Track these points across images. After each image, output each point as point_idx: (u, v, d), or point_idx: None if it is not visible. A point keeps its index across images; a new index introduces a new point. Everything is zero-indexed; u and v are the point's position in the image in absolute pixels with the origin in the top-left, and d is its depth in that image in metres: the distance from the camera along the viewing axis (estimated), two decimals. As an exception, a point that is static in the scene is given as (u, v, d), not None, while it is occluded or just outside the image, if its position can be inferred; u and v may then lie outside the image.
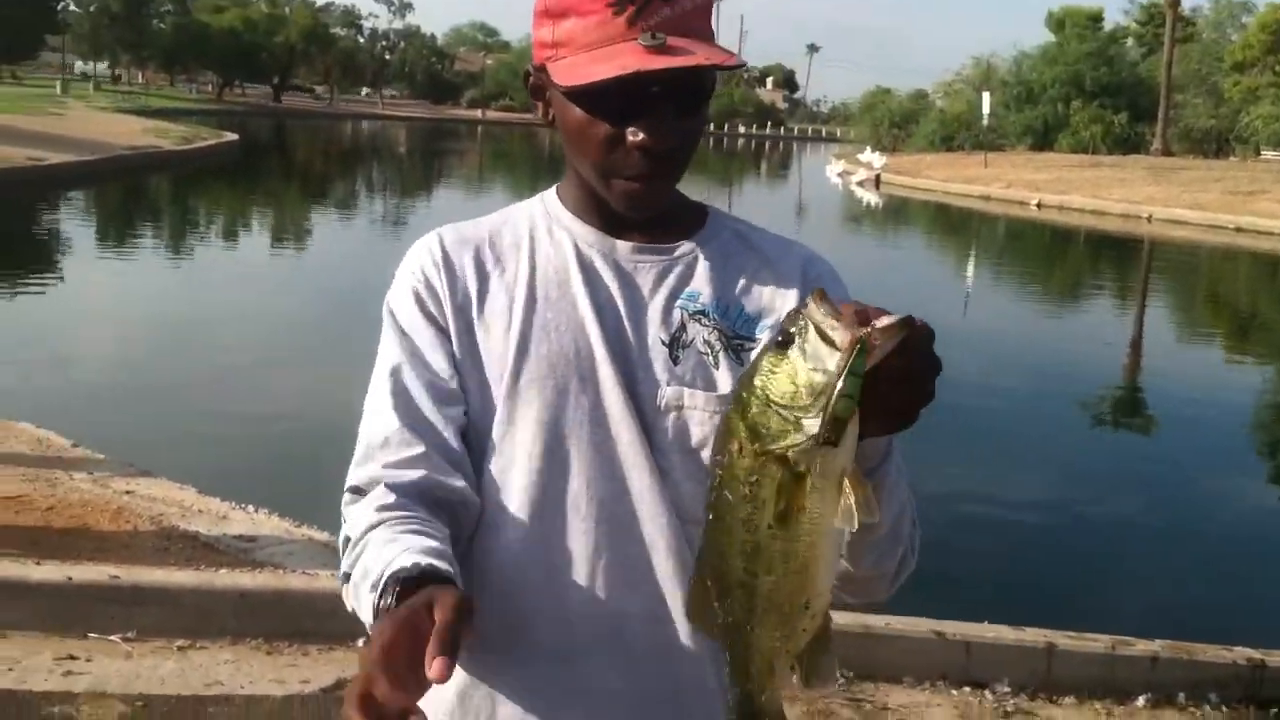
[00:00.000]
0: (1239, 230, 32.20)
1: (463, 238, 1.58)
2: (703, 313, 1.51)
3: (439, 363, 1.50)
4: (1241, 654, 4.97)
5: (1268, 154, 62.82)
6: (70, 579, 4.51)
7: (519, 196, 1.62)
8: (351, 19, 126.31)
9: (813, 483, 1.14)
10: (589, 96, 1.42)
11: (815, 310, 1.13)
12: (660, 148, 1.43)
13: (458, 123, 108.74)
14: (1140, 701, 4.71)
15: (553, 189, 1.63)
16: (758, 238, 1.61)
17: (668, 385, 1.47)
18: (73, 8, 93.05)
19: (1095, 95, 63.68)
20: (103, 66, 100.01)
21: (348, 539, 1.42)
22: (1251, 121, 55.31)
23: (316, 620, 4.51)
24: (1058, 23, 79.96)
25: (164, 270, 17.64)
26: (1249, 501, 8.93)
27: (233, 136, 45.41)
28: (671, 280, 1.53)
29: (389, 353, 1.53)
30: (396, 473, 1.44)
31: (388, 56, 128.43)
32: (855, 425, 1.12)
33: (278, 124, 79.92)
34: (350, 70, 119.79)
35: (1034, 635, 4.86)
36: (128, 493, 5.99)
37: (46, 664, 4.19)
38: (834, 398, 1.11)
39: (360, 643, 4.41)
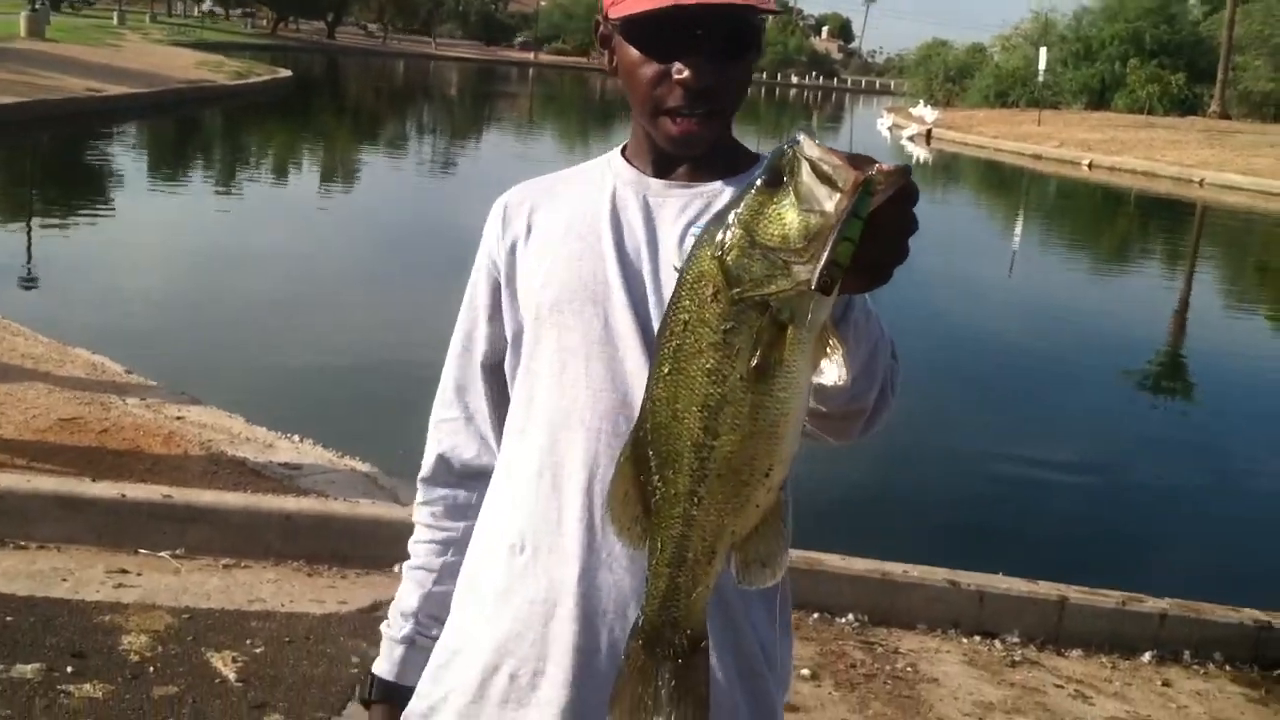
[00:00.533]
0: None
1: (525, 193, 1.76)
2: None
3: (493, 329, 1.76)
4: (1249, 615, 5.09)
5: (1329, 119, 61.74)
6: (124, 496, 4.74)
7: (567, 141, 1.72)
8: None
9: (796, 334, 1.07)
10: (641, 36, 1.55)
11: (810, 147, 1.04)
12: (699, 84, 1.52)
13: (510, 65, 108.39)
14: (1146, 657, 4.84)
15: (609, 154, 1.75)
16: None
17: None
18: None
19: (1154, 54, 62.54)
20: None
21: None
22: (1313, 86, 54.33)
23: (355, 544, 4.74)
24: (1121, -22, 78.72)
25: (215, 205, 17.87)
26: (1270, 469, 8.99)
27: (286, 73, 45.42)
28: (691, 212, 1.62)
29: (464, 310, 1.81)
30: (439, 447, 1.83)
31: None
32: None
33: (331, 61, 79.94)
34: (404, 8, 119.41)
35: (1047, 588, 5.00)
36: (178, 418, 6.20)
37: (99, 576, 4.43)
38: (835, 240, 1.03)
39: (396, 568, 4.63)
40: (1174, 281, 19.26)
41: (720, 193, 1.62)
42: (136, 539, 4.66)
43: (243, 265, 12.94)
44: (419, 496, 1.85)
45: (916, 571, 4.97)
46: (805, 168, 1.03)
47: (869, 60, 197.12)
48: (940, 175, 36.28)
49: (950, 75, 73.52)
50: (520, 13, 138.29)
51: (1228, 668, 4.87)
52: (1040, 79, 53.87)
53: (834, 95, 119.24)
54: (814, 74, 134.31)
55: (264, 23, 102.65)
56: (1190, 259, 22.41)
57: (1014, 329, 13.36)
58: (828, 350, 1.08)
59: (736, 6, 1.51)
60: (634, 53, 1.57)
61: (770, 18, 1.61)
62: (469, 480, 1.81)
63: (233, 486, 5.23)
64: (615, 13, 1.57)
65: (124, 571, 4.49)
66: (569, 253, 1.64)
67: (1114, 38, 63.05)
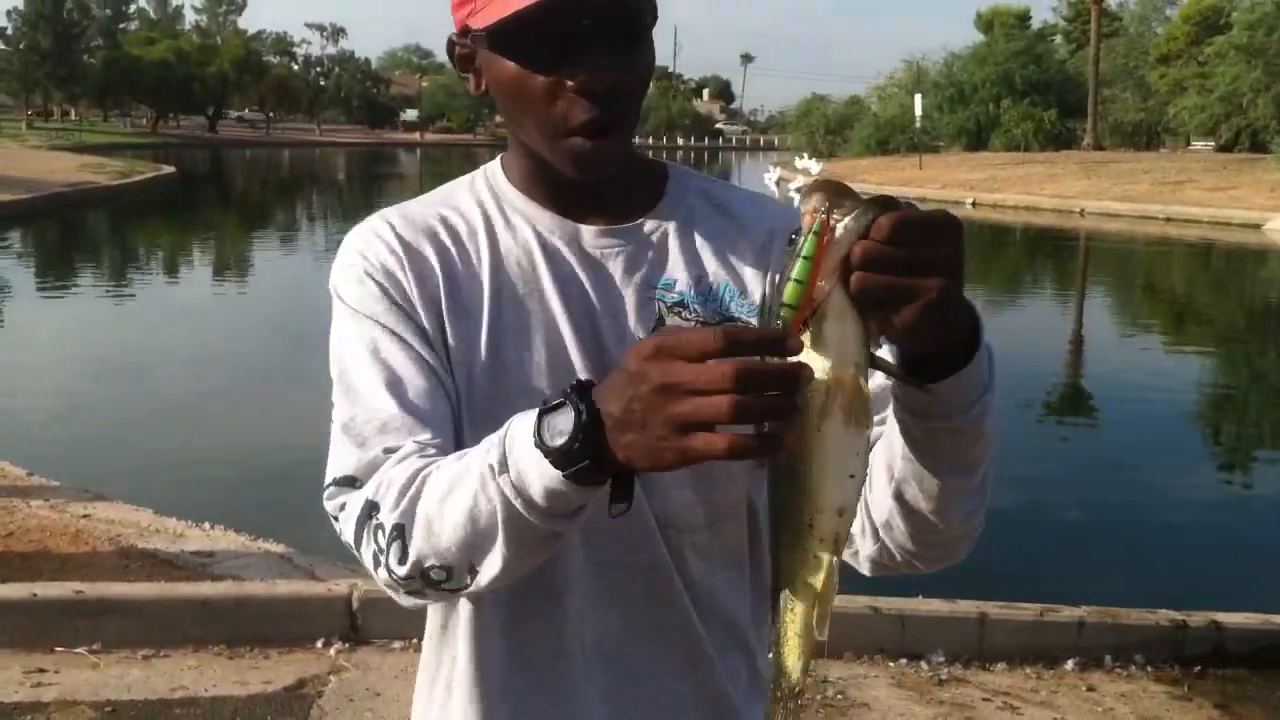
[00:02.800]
0: (1168, 220, 32.85)
1: (414, 224, 1.40)
2: (681, 303, 1.38)
3: (422, 344, 1.33)
4: (1165, 616, 5.20)
5: (1197, 144, 63.91)
6: (35, 595, 4.65)
7: None
8: (284, 46, 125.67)
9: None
10: (517, 46, 1.28)
11: (807, 200, 1.02)
12: (602, 85, 1.27)
13: (396, 146, 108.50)
14: (1069, 665, 4.93)
15: (495, 163, 1.48)
16: (726, 196, 1.48)
17: None
18: (1, 46, 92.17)
19: (1025, 93, 64.53)
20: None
21: (371, 508, 1.23)
22: (1179, 113, 56.23)
23: (275, 624, 4.68)
24: (986, 23, 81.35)
25: (107, 305, 17.60)
26: (1173, 478, 9.24)
27: (170, 169, 45.05)
28: (644, 268, 1.39)
29: (356, 334, 1.35)
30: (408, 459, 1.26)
31: (323, 83, 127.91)
32: (845, 322, 1.02)
33: (214, 154, 79.43)
34: (285, 98, 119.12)
35: (966, 606, 5.08)
36: (85, 516, 6.10)
37: (16, 677, 4.33)
38: (780, 283, 1.01)
39: (332, 649, 4.58)
40: (1066, 308, 19.74)
41: (655, 232, 1.41)
42: (52, 637, 4.57)
43: (138, 363, 12.76)
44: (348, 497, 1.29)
45: (837, 600, 5.00)
46: (805, 221, 1.02)
47: (751, 118, 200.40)
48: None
49: (831, 128, 74.96)
50: (402, 95, 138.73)
51: (1149, 668, 4.97)
52: (918, 125, 55.15)
53: (720, 155, 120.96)
54: (699, 135, 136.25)
55: (144, 121, 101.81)
56: (1080, 285, 23.00)
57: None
58: (834, 399, 1.04)
59: None
60: (511, 67, 1.29)
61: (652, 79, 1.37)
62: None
63: (145, 578, 5.15)
64: (480, 21, 1.29)
65: (41, 670, 4.39)
66: (513, 325, 1.36)
67: (985, 80, 64.98)
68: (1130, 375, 13.29)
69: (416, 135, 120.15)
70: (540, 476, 1.07)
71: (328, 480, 1.30)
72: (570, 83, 1.27)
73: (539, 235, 1.39)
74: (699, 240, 1.42)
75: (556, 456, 1.05)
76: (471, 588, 1.19)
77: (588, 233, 1.39)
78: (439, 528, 1.16)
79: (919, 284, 1.00)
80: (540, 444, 1.06)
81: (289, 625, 4.67)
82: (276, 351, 13.60)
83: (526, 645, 1.39)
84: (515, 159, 1.43)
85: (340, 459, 1.29)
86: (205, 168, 64.78)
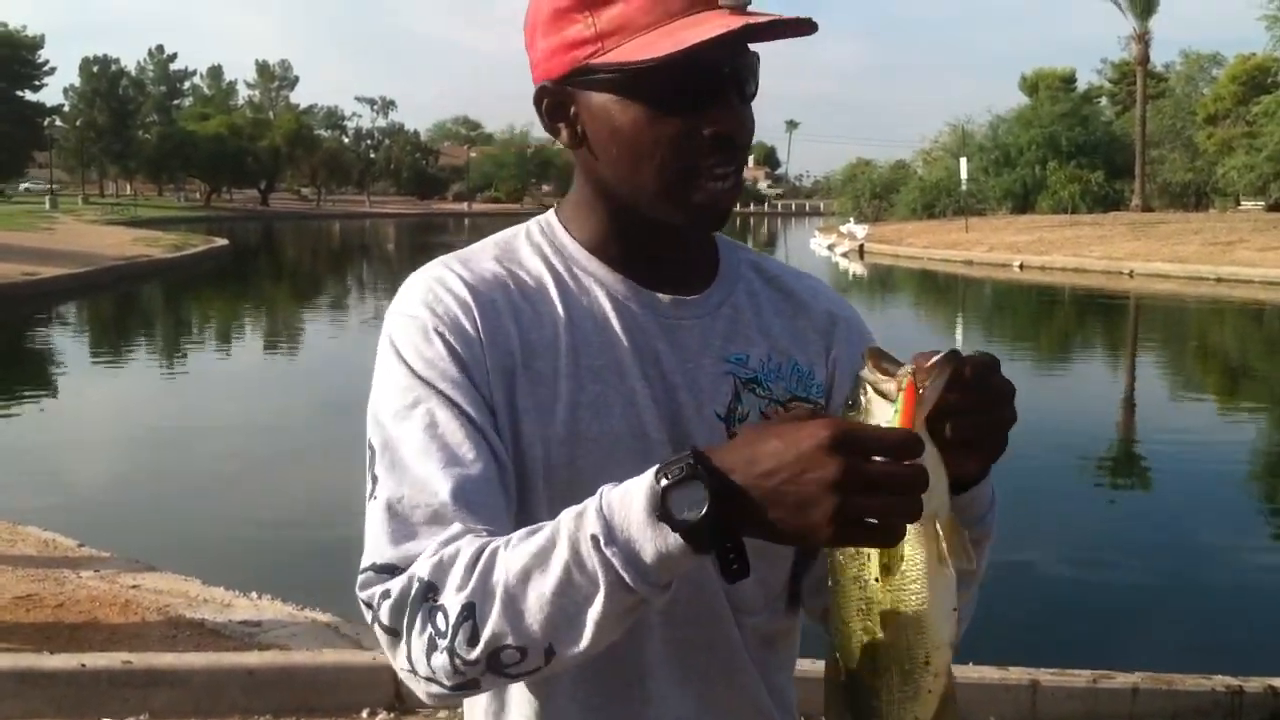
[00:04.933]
0: (1219, 280, 32.54)
1: (482, 276, 1.33)
2: (755, 380, 1.37)
3: (485, 422, 1.25)
4: (1220, 682, 5.10)
5: (1246, 204, 63.47)
6: (84, 666, 4.66)
7: None
8: (335, 120, 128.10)
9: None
10: (649, 89, 1.23)
11: (868, 372, 1.11)
12: (744, 137, 1.26)
13: (445, 216, 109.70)
14: (1123, 732, 4.85)
15: (549, 216, 1.42)
16: (777, 271, 1.49)
17: None
18: (59, 123, 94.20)
19: (1071, 155, 64.42)
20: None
21: (428, 590, 1.14)
22: (1227, 173, 55.94)
23: (320, 694, 4.67)
24: (1031, 86, 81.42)
25: (158, 376, 17.84)
26: (1228, 541, 9.08)
27: (223, 242, 45.77)
28: (717, 341, 1.37)
29: (411, 400, 1.25)
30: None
31: (373, 155, 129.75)
32: (938, 468, 1.09)
33: (266, 227, 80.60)
34: (336, 170, 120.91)
35: (1018, 674, 4.99)
36: (134, 587, 6.14)
37: (64, 749, 4.34)
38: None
39: (365, 713, 4.57)
40: (1118, 370, 19.55)
41: (724, 304, 1.39)
42: (99, 708, 4.58)
43: (188, 434, 12.86)
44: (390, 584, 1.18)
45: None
46: (870, 389, 1.10)
47: (797, 184, 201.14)
48: (877, 287, 36.84)
49: (876, 192, 75.09)
50: (451, 165, 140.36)
51: (1205, 736, 4.87)
52: (963, 188, 55.16)
53: (766, 220, 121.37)
54: (745, 201, 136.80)
55: (197, 195, 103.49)
56: (1130, 348, 22.78)
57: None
58: (954, 531, 1.12)
59: (784, 23, 1.22)
60: (635, 110, 1.24)
61: None
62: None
63: (193, 648, 5.16)
64: (613, 58, 1.23)
65: (88, 742, 4.41)
66: (592, 396, 1.30)
67: (1031, 143, 64.93)
68: (1183, 436, 13.10)
69: (464, 206, 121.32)
70: (656, 547, 1.05)
71: (365, 564, 1.20)
72: (707, 130, 1.23)
73: (614, 300, 1.34)
74: (765, 316, 1.42)
75: (685, 529, 1.04)
76: (541, 671, 1.13)
77: (663, 303, 1.35)
78: (522, 605, 1.10)
79: (1000, 417, 1.11)
80: (665, 516, 1.04)
81: (335, 694, 4.66)
82: (322, 422, 13.68)
83: None
84: (586, 215, 1.37)
85: (381, 546, 1.19)
86: (257, 240, 65.67)
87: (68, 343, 21.79)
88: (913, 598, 1.12)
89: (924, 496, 1.04)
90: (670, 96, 1.22)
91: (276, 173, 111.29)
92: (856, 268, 43.53)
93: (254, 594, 6.12)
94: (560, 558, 1.08)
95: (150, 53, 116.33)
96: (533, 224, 1.41)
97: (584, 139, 1.30)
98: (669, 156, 1.24)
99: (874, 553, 1.11)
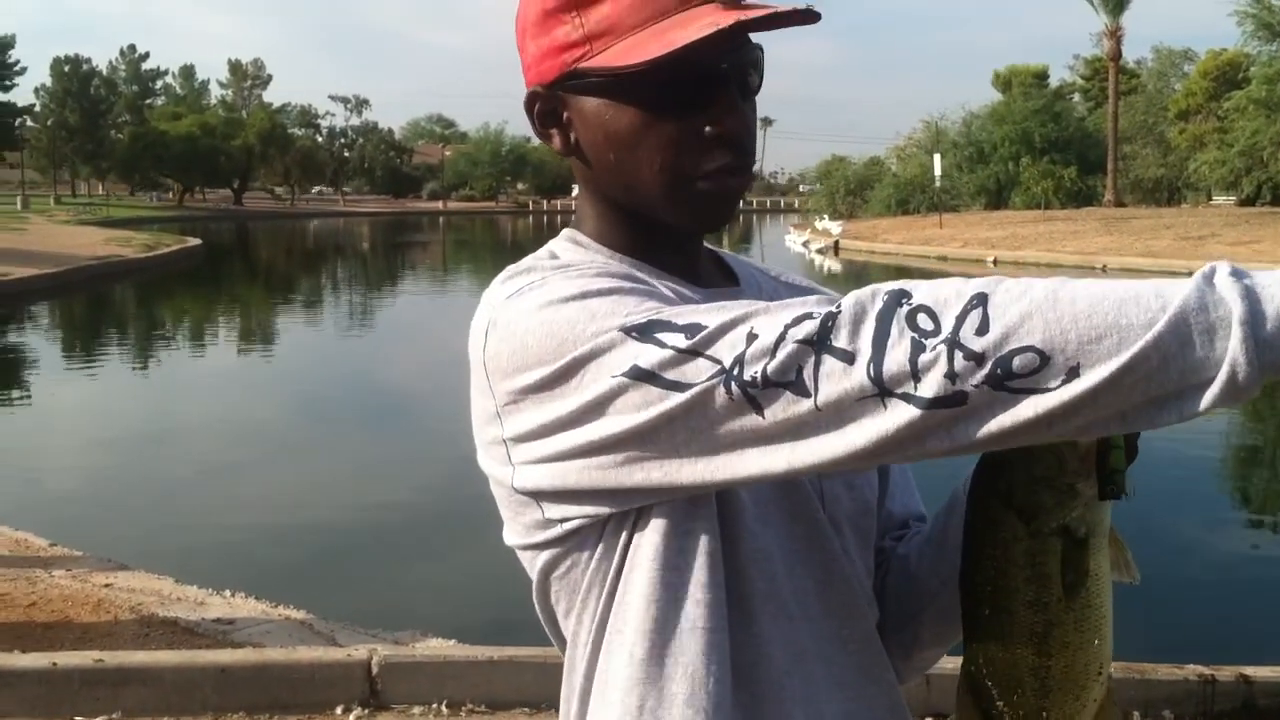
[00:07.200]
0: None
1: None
2: None
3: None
4: (1193, 671, 5.12)
5: (1218, 199, 63.92)
6: (55, 665, 4.64)
7: (484, 282, 1.30)
8: (309, 118, 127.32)
9: (1095, 542, 1.13)
10: (646, 89, 1.18)
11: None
12: (746, 135, 1.22)
13: (419, 215, 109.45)
14: (1096, 721, 4.87)
15: (564, 238, 1.33)
16: (775, 270, 1.46)
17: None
18: (30, 123, 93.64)
19: (1045, 151, 64.59)
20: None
21: (900, 295, 1.00)
22: (1199, 168, 56.27)
23: (294, 691, 4.66)
24: (1004, 82, 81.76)
25: (131, 376, 17.76)
26: (1199, 532, 9.15)
27: (196, 241, 45.53)
28: None
29: (629, 307, 1.10)
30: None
31: (346, 153, 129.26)
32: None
33: (240, 226, 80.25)
34: (310, 169, 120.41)
35: (991, 665, 5.03)
36: (107, 585, 6.11)
37: (35, 748, 4.32)
38: (1107, 451, 1.13)
39: (352, 715, 4.56)
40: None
41: (760, 297, 1.27)
42: (71, 707, 4.56)
43: (160, 433, 12.83)
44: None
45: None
46: None
47: (771, 181, 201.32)
48: (853, 284, 36.80)
49: (851, 188, 75.15)
50: (425, 164, 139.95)
51: (1177, 725, 4.90)
52: (937, 184, 55.28)
53: (741, 217, 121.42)
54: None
55: (170, 195, 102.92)
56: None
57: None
58: (1119, 544, 1.14)
59: (780, 16, 1.18)
60: (631, 112, 1.20)
61: None
62: None
63: (166, 646, 5.15)
64: (606, 62, 1.19)
65: (60, 741, 4.39)
66: None
67: (1004, 139, 65.06)
68: (1155, 429, 13.20)
69: (439, 204, 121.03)
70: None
71: (742, 346, 1.02)
72: (708, 128, 1.19)
73: (677, 294, 1.23)
74: None
75: None
76: (1052, 396, 0.93)
77: (717, 295, 1.24)
78: (1067, 305, 0.93)
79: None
80: None
81: (309, 691, 4.65)
82: (295, 420, 13.67)
83: None
84: (608, 226, 1.30)
85: (770, 328, 1.03)
86: (231, 239, 65.37)
87: (40, 342, 21.66)
88: (1095, 612, 1.13)
89: (1102, 509, 1.09)
90: (666, 98, 1.18)
91: (250, 172, 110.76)
92: (832, 264, 43.59)
93: (227, 592, 6.11)
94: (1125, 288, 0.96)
95: (122, 52, 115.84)
96: (556, 242, 1.32)
97: (578, 146, 1.25)
98: (669, 159, 1.20)
99: (1055, 574, 1.11)
